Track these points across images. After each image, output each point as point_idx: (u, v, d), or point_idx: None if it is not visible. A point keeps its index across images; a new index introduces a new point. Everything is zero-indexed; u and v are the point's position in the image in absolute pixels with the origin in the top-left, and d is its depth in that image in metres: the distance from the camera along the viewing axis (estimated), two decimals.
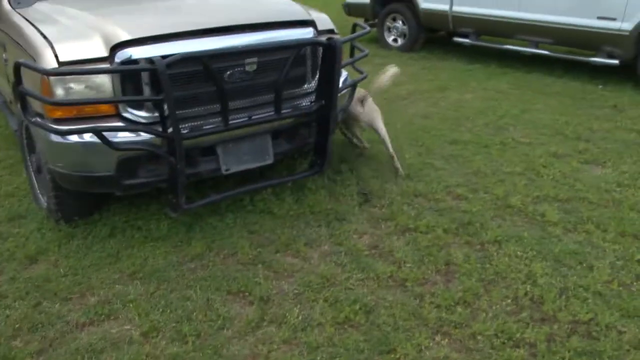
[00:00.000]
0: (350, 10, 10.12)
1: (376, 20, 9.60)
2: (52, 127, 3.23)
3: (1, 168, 4.80)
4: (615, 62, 6.95)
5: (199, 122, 3.45)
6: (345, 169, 4.58)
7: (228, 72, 3.45)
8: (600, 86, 7.05)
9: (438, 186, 4.33)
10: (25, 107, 3.31)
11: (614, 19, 6.72)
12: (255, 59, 3.52)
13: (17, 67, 3.12)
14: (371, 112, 4.59)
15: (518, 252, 3.50)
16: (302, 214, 3.95)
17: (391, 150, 4.54)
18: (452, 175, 4.55)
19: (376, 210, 4.01)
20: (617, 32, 6.74)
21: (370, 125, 4.60)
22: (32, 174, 4.09)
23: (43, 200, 3.97)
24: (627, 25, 6.63)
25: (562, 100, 6.63)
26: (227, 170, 3.61)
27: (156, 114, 3.31)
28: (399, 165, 4.53)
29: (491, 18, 8.07)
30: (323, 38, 3.76)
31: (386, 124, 4.61)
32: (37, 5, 4.05)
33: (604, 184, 4.36)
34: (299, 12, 3.97)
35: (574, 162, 4.82)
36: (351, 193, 4.21)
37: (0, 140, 5.43)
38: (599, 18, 6.96)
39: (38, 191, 4.06)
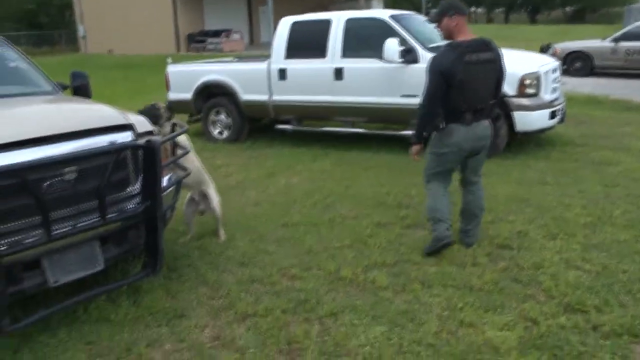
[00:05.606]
0: (174, 107, 10.21)
1: (200, 115, 9.82)
2: None
3: None
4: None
5: (19, 237, 3.32)
6: (180, 265, 4.59)
7: (47, 183, 3.39)
8: None
9: (273, 269, 4.46)
10: None
11: (415, 96, 7.48)
12: (74, 167, 3.50)
13: None
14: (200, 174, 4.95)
15: (354, 321, 3.68)
16: (141, 317, 3.86)
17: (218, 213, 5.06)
18: (285, 257, 4.71)
19: (215, 302, 4.03)
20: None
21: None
22: None
23: None
24: None
25: (381, 172, 7.18)
26: (55, 282, 3.46)
27: None
28: (221, 233, 5.08)
29: (309, 104, 8.60)
30: (142, 140, 3.82)
31: None
32: None
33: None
34: (116, 117, 4.00)
35: (397, 229, 5.21)
36: (189, 288, 4.22)
37: None
38: (403, 96, 7.73)
39: None
